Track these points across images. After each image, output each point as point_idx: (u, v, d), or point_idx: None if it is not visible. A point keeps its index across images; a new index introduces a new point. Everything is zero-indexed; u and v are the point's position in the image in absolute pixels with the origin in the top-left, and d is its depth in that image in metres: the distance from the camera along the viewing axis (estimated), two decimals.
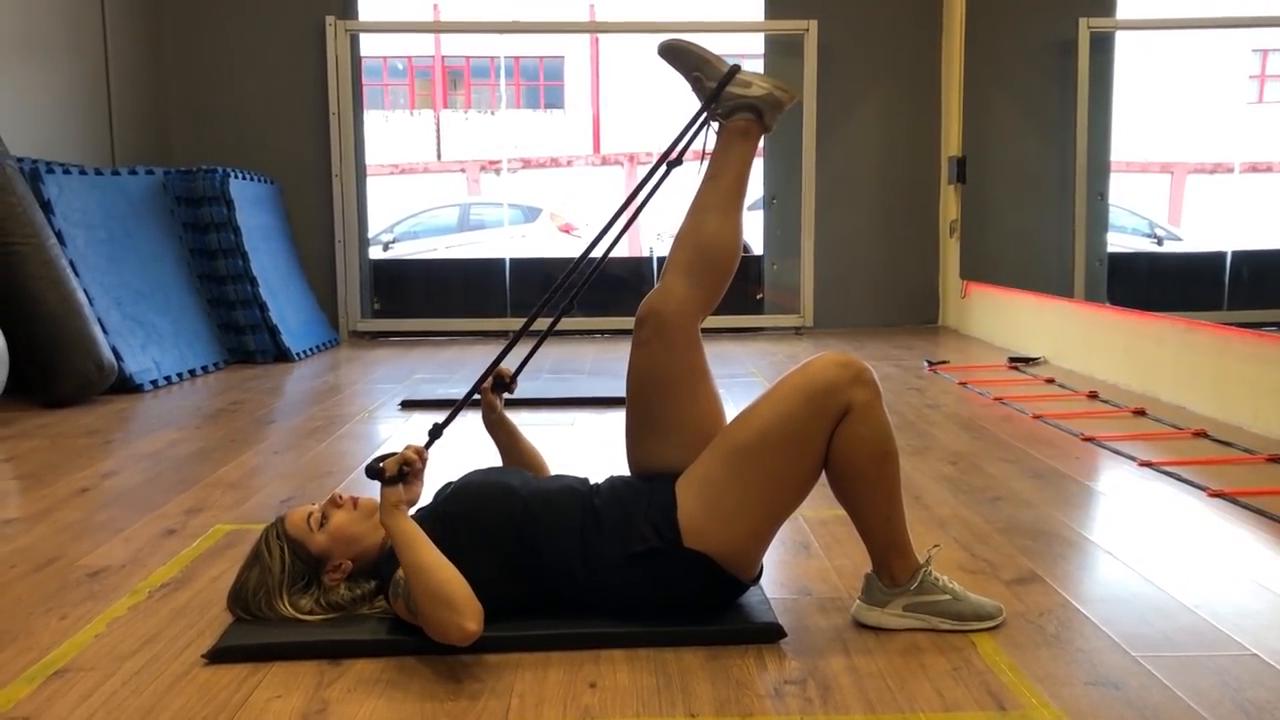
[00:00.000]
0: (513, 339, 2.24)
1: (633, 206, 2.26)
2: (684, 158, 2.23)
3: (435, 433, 2.13)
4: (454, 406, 2.16)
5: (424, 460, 2.02)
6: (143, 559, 2.60)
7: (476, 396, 2.32)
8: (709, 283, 2.14)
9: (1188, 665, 1.93)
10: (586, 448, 3.80)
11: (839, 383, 1.98)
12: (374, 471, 1.99)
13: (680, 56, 2.23)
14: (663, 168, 2.23)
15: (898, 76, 7.51)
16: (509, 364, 2.41)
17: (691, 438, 2.09)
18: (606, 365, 5.85)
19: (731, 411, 2.13)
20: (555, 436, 3.93)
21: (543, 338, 2.39)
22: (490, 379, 2.37)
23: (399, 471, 1.98)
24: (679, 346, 2.10)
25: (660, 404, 2.12)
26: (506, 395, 2.43)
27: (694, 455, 2.07)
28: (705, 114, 2.21)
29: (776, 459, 1.99)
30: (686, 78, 2.24)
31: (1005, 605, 2.17)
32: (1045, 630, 2.10)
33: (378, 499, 2.16)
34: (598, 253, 2.27)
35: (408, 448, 2.01)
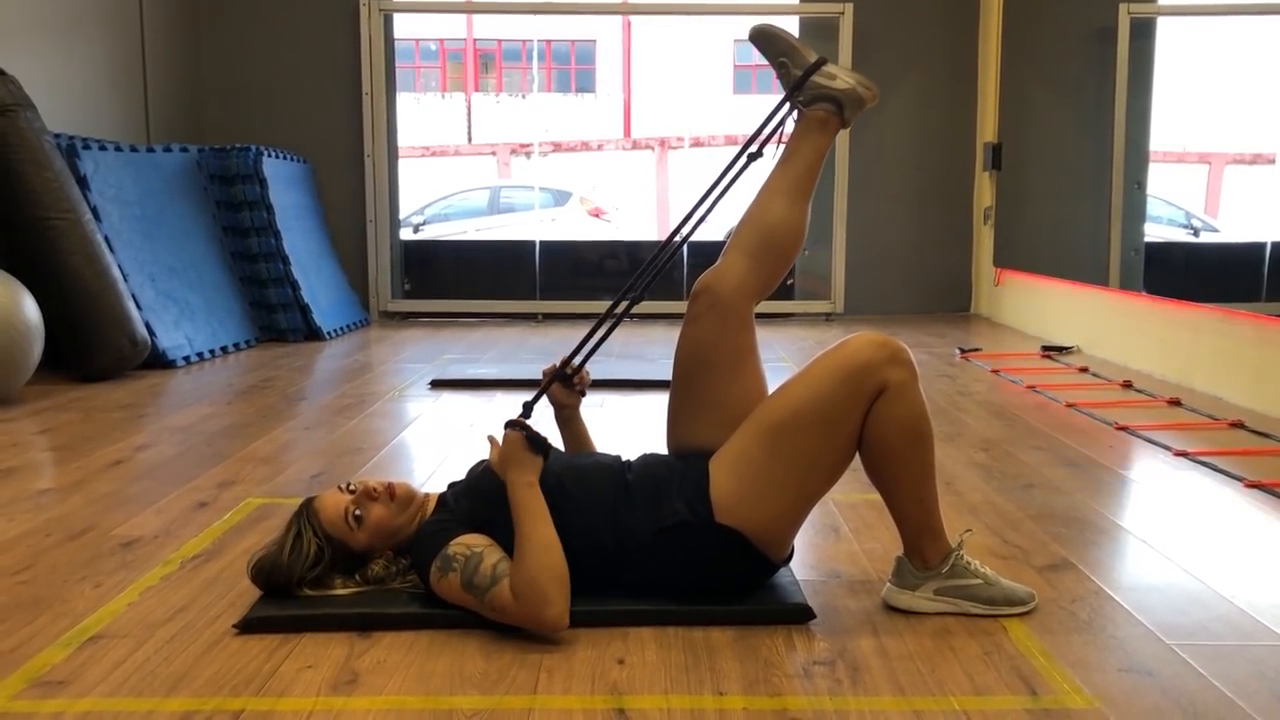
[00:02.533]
0: (594, 328, 2.24)
1: (714, 194, 2.23)
2: (763, 148, 2.22)
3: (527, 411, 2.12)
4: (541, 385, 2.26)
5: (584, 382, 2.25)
6: (175, 530, 2.62)
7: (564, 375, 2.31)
8: (768, 266, 2.15)
9: (1224, 654, 1.91)
10: (614, 429, 3.79)
11: (875, 362, 1.97)
12: (520, 425, 2.02)
13: (770, 41, 2.25)
14: (744, 158, 2.23)
15: (934, 61, 7.44)
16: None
17: (734, 417, 2.08)
18: (636, 349, 5.84)
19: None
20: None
21: (611, 328, 2.26)
22: (556, 374, 2.30)
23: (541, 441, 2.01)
24: (731, 325, 2.11)
25: (705, 380, 2.12)
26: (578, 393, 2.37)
27: (733, 433, 2.07)
28: (789, 100, 2.20)
29: (811, 438, 1.98)
30: (772, 63, 2.25)
31: (1037, 591, 2.14)
32: (1078, 617, 2.08)
33: (409, 484, 2.16)
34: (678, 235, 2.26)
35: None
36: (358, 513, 2.07)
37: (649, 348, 5.84)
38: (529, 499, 1.97)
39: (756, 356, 2.16)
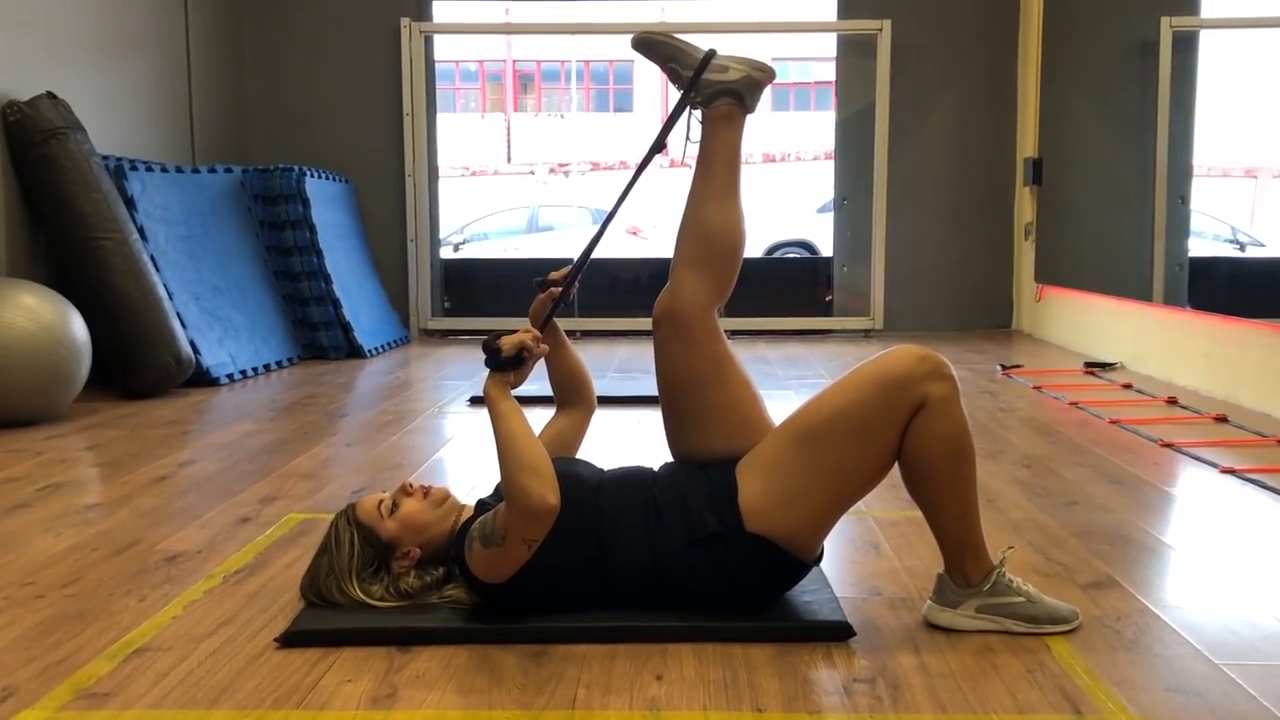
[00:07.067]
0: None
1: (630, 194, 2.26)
2: (668, 145, 2.22)
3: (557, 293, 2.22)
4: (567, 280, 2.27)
5: (541, 350, 2.04)
6: (218, 545, 2.65)
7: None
8: (718, 273, 2.16)
9: (1274, 674, 1.87)
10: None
11: (915, 376, 1.96)
12: (491, 350, 2.00)
13: (654, 48, 2.24)
14: (653, 159, 2.23)
15: (973, 76, 7.40)
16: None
17: (730, 425, 2.10)
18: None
19: (794, 406, 2.11)
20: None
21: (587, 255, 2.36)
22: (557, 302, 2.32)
23: (516, 356, 2.00)
24: (699, 340, 2.12)
25: (692, 399, 2.14)
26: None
27: (736, 440, 2.08)
28: (686, 103, 2.20)
29: (844, 448, 1.98)
30: (663, 69, 2.25)
31: (1081, 609, 2.11)
32: (1123, 635, 2.05)
33: (447, 489, 2.19)
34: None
35: (527, 332, 2.04)
36: (390, 503, 2.14)
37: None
38: (492, 396, 2.00)
39: (733, 359, 2.16)
